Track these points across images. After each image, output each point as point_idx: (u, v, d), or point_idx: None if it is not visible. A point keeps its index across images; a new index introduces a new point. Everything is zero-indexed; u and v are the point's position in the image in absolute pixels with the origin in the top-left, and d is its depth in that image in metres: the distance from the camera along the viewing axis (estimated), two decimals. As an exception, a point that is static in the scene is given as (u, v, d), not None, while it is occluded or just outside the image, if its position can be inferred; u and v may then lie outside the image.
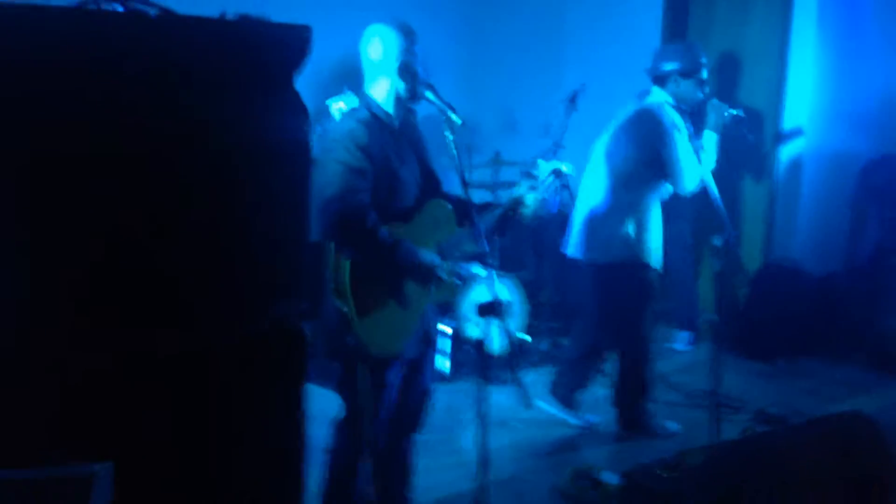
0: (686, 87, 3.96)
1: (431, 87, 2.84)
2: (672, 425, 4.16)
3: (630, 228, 3.91)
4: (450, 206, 2.97)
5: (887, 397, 4.65)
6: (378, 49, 2.82)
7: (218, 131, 1.87)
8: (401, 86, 2.82)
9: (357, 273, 2.70)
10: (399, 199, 2.84)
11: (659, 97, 3.98)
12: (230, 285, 1.85)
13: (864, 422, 2.89)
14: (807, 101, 5.53)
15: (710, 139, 3.94)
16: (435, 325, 3.10)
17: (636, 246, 3.92)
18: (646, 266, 3.96)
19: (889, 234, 5.42)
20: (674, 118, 3.88)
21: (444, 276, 2.86)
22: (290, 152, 1.96)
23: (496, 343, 4.75)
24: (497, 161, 5.54)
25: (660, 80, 4.00)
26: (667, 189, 3.97)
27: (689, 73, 3.94)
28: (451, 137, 2.79)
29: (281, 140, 1.94)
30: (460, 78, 6.25)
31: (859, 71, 5.68)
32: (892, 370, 4.98)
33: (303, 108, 1.99)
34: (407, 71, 2.81)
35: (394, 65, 2.81)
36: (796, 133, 5.55)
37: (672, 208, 4.85)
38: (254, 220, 1.89)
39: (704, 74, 3.98)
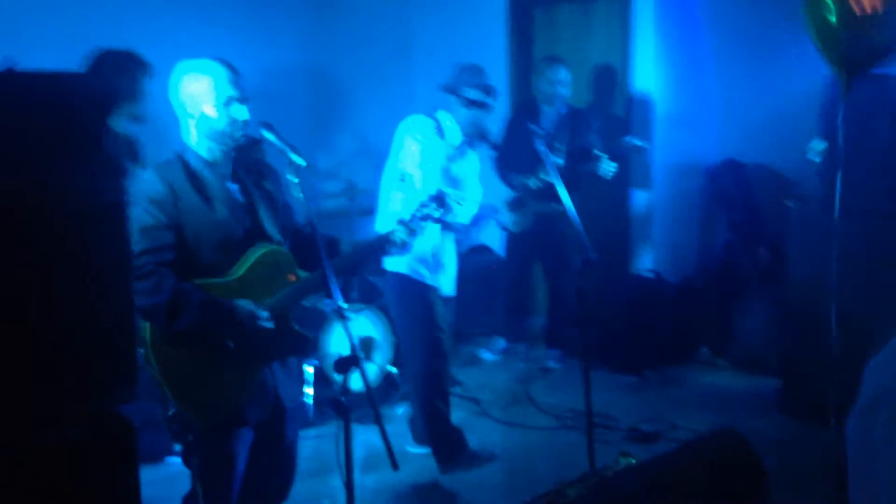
0: (470, 114, 3.87)
1: (269, 127, 2.64)
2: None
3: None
4: (285, 251, 2.77)
5: (753, 399, 4.75)
6: (190, 88, 2.61)
7: (18, 196, 1.61)
8: (219, 126, 2.62)
9: (158, 337, 2.51)
10: (219, 251, 2.62)
11: (437, 114, 3.93)
12: (34, 381, 1.59)
13: (735, 439, 2.88)
14: (651, 109, 5.64)
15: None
16: (290, 381, 2.87)
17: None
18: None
19: (737, 236, 5.57)
20: (434, 135, 3.85)
21: (268, 325, 2.62)
22: (101, 216, 1.72)
23: (359, 382, 4.57)
24: (352, 189, 5.36)
25: (447, 101, 3.94)
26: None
27: (472, 100, 3.85)
28: (295, 180, 2.61)
29: (91, 204, 1.70)
30: (311, 104, 6.04)
31: (698, 78, 5.83)
32: (754, 370, 5.10)
33: (114, 165, 1.75)
34: (226, 109, 2.61)
35: (209, 104, 2.60)
36: (644, 142, 5.65)
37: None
38: (58, 298, 1.64)
39: (490, 101, 3.90)
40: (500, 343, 5.72)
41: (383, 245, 2.97)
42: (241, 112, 2.64)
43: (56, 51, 4.24)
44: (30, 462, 1.57)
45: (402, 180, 3.76)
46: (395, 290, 3.96)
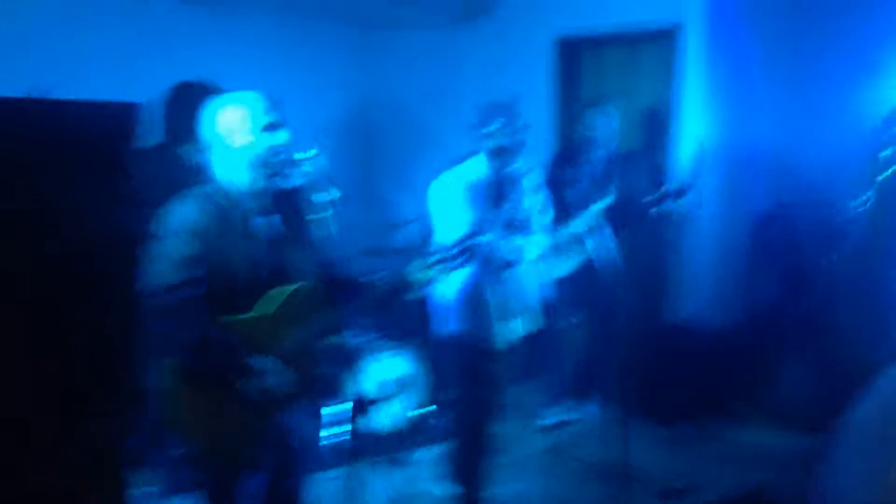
0: (494, 144, 3.73)
1: (308, 160, 2.61)
2: None
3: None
4: (315, 287, 2.71)
5: (794, 456, 4.55)
6: (227, 118, 2.58)
7: (33, 219, 1.60)
8: (257, 154, 2.58)
9: (183, 374, 2.46)
10: (248, 287, 2.57)
11: (482, 160, 3.81)
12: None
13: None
14: (699, 152, 5.54)
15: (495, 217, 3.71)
16: (305, 425, 2.80)
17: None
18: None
19: (782, 286, 5.42)
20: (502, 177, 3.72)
21: (274, 380, 2.55)
22: (117, 242, 1.71)
23: (387, 421, 4.52)
24: (389, 225, 5.35)
25: (480, 141, 3.81)
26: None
27: (491, 134, 3.71)
28: (328, 213, 2.57)
29: (106, 229, 1.69)
30: (357, 141, 6.07)
31: (748, 122, 5.73)
32: (795, 426, 4.91)
33: (133, 193, 1.74)
34: (263, 136, 2.58)
35: (248, 132, 2.57)
36: (689, 186, 5.55)
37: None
38: (65, 320, 1.62)
39: (498, 141, 3.72)
40: (557, 405, 5.36)
41: (404, 285, 2.89)
42: (279, 137, 2.59)
43: (137, 82, 4.38)
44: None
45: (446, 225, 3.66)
46: (445, 353, 3.76)
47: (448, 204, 3.66)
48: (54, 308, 1.50)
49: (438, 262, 2.94)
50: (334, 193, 2.53)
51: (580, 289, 4.97)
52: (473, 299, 3.68)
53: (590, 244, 4.08)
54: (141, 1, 4.85)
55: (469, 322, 3.68)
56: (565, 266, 5.09)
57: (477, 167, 3.79)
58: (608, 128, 4.97)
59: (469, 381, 3.69)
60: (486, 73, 6.32)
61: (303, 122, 5.21)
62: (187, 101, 3.64)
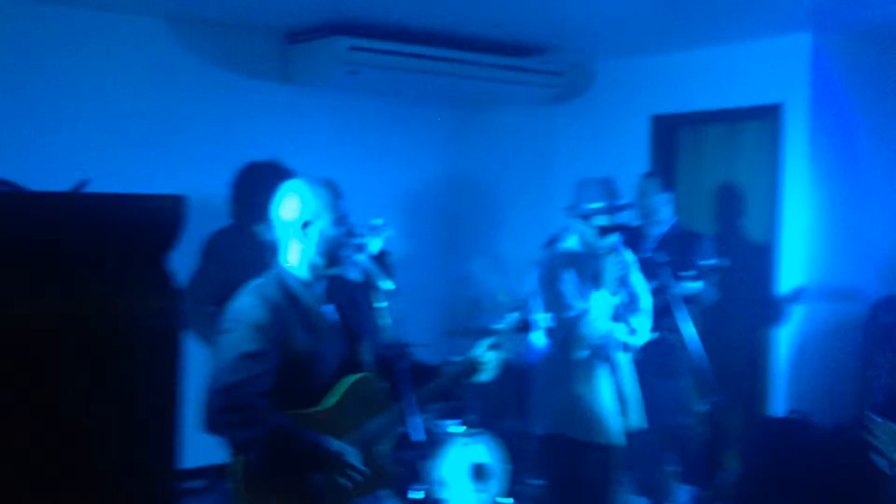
0: (586, 230, 3.56)
1: (362, 248, 2.59)
2: None
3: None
4: (377, 382, 2.65)
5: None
6: (296, 206, 2.57)
7: (62, 315, 1.60)
8: (320, 249, 2.57)
9: (250, 472, 2.39)
10: (312, 379, 2.53)
11: (566, 240, 3.67)
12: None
13: None
14: (804, 238, 5.27)
15: (601, 297, 3.46)
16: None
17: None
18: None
19: (902, 379, 5.02)
20: (560, 264, 3.53)
21: (355, 463, 2.47)
22: (153, 342, 1.68)
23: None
24: (480, 306, 5.27)
25: (580, 219, 3.63)
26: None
27: (586, 215, 3.55)
28: (384, 304, 2.53)
29: (142, 332, 1.67)
30: (451, 218, 6.05)
31: (860, 207, 5.43)
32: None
33: (171, 290, 1.72)
34: (330, 228, 2.56)
35: (316, 222, 2.56)
36: (795, 273, 5.26)
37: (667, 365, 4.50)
38: (97, 425, 1.59)
39: (602, 220, 3.53)
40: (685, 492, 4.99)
41: (472, 368, 2.79)
42: (345, 229, 2.59)
43: (195, 161, 4.52)
44: None
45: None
46: (550, 455, 3.62)
47: (548, 283, 3.54)
48: (90, 407, 1.47)
49: (500, 339, 2.84)
50: (389, 285, 2.49)
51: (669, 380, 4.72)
52: (566, 392, 3.51)
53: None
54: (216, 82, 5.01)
55: (567, 417, 3.51)
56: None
57: (574, 245, 3.66)
58: (660, 203, 4.80)
59: (576, 480, 3.51)
60: (583, 151, 6.24)
61: (390, 202, 5.33)
62: (258, 181, 3.72)
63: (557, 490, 3.67)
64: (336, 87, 5.31)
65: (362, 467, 2.50)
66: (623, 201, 3.69)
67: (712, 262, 4.55)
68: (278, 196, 2.62)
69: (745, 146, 5.60)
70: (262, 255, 3.66)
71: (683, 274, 4.31)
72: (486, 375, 2.89)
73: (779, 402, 5.26)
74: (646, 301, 3.66)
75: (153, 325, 1.67)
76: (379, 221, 3.85)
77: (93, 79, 4.56)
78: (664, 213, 4.85)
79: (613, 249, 3.55)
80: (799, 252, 5.27)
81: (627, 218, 3.62)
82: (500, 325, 2.91)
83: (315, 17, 4.88)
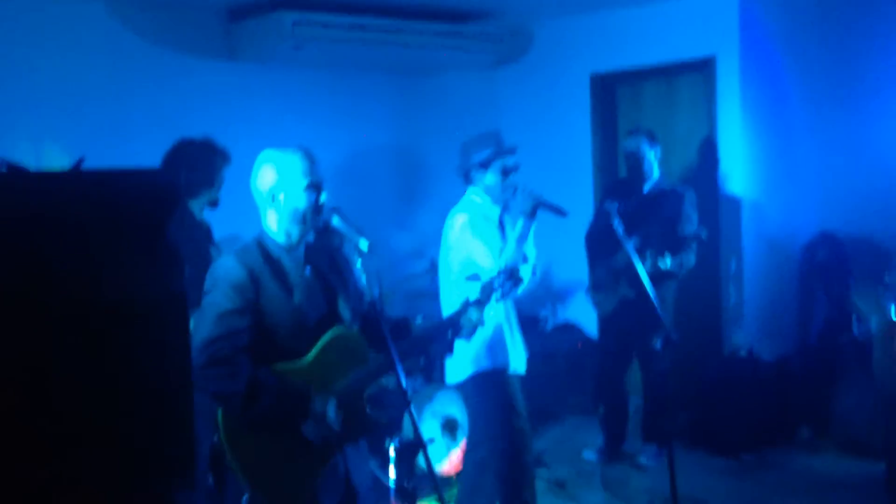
0: (490, 178, 3.71)
1: (337, 211, 2.70)
2: None
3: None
4: (356, 334, 2.79)
5: (858, 484, 4.46)
6: (269, 176, 2.69)
7: (80, 291, 1.68)
8: (297, 213, 2.68)
9: (232, 423, 2.53)
10: (293, 336, 2.66)
11: (466, 197, 3.78)
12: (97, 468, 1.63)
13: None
14: (740, 183, 5.51)
15: (520, 225, 3.59)
16: (363, 464, 2.87)
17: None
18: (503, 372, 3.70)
19: (837, 310, 5.33)
20: (475, 214, 3.67)
21: (333, 414, 2.61)
22: (164, 312, 1.78)
23: (441, 462, 4.53)
24: (437, 269, 5.39)
25: (467, 177, 3.79)
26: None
27: (487, 163, 3.70)
28: (359, 264, 2.65)
29: (154, 299, 1.76)
30: (398, 185, 6.17)
31: (790, 149, 5.70)
32: (859, 453, 4.80)
33: (177, 259, 1.81)
34: (301, 197, 2.68)
35: (287, 192, 2.68)
36: (735, 218, 5.51)
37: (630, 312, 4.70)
38: (116, 390, 1.69)
39: (507, 161, 3.70)
40: (653, 448, 5.07)
41: (453, 327, 2.96)
42: (318, 196, 2.70)
43: (142, 140, 4.52)
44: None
45: (465, 266, 3.66)
46: (470, 391, 3.76)
47: (469, 240, 3.67)
48: (100, 366, 1.57)
49: (487, 297, 3.01)
50: (364, 244, 2.61)
51: (625, 326, 4.91)
52: (498, 332, 3.70)
53: (632, 278, 4.05)
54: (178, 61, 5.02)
55: (500, 354, 3.70)
56: (608, 302, 5.03)
57: (478, 201, 3.78)
58: (646, 160, 4.90)
59: (506, 411, 3.70)
60: (525, 112, 6.39)
61: (341, 169, 5.41)
62: (192, 157, 3.77)
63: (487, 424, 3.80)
64: (280, 62, 5.35)
65: (341, 417, 2.62)
66: (509, 144, 3.80)
67: (690, 232, 4.69)
68: (256, 165, 2.72)
69: (682, 99, 5.82)
70: (196, 232, 3.73)
71: (661, 248, 4.49)
72: (467, 333, 3.05)
73: (727, 341, 5.54)
74: (531, 252, 3.78)
75: (162, 291, 1.76)
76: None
77: (35, 62, 4.53)
78: (650, 170, 4.89)
79: (518, 186, 3.67)
80: (736, 198, 5.51)
81: (517, 164, 3.77)
82: (492, 280, 3.07)
83: (256, -7, 4.89)
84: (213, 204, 3.87)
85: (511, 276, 3.08)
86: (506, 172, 3.70)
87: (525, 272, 3.64)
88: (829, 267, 5.36)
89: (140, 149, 4.65)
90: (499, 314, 3.71)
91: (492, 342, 3.69)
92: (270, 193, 2.69)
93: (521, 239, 3.57)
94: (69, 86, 4.63)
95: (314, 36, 4.99)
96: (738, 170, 5.50)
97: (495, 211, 3.76)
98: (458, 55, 5.73)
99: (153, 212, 1.77)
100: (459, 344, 3.26)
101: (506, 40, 5.89)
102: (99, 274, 1.66)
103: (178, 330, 1.75)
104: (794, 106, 5.68)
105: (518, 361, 3.77)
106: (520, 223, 3.57)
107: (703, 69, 5.56)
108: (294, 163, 2.69)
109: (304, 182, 2.68)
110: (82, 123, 4.64)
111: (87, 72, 4.71)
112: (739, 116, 5.45)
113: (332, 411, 2.60)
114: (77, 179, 1.71)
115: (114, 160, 3.98)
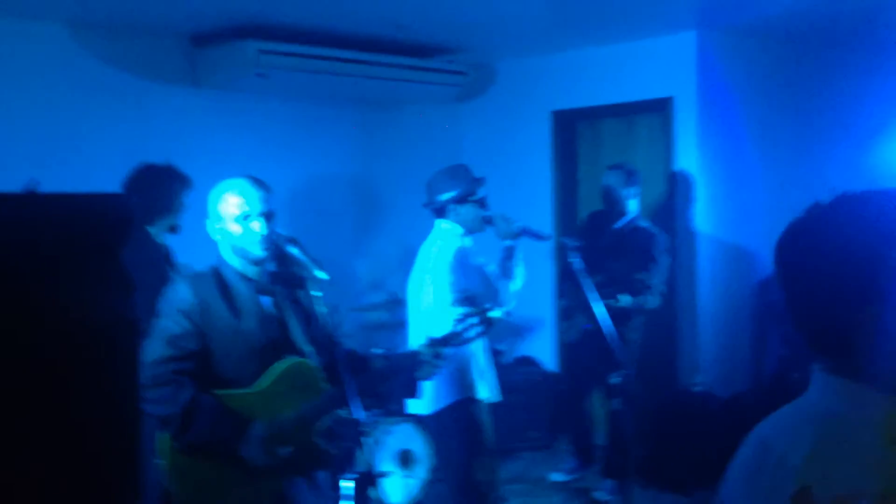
0: (466, 211, 3.80)
1: (294, 241, 2.72)
2: None
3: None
4: (311, 364, 2.78)
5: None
6: (226, 205, 2.72)
7: (27, 315, 1.66)
8: (240, 242, 2.71)
9: (175, 447, 2.55)
10: (242, 363, 2.67)
11: (444, 231, 3.84)
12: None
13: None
14: (697, 220, 5.60)
15: (505, 250, 3.79)
16: (316, 498, 2.84)
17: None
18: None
19: (791, 350, 5.41)
20: (463, 246, 3.78)
21: (278, 443, 2.60)
22: (114, 337, 1.76)
23: (398, 496, 4.50)
24: (395, 301, 5.39)
25: (440, 211, 3.85)
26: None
27: (464, 197, 3.79)
28: (319, 294, 2.66)
29: (104, 324, 1.74)
30: (356, 214, 6.16)
31: (744, 188, 5.81)
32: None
33: (130, 284, 1.80)
34: (244, 225, 2.70)
35: (232, 221, 2.71)
36: (690, 252, 5.59)
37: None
38: (67, 413, 1.66)
39: (481, 193, 3.83)
40: (571, 462, 5.28)
41: (413, 364, 2.96)
42: (259, 227, 2.71)
43: (104, 165, 4.48)
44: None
45: (440, 298, 3.68)
46: (441, 421, 3.76)
47: (438, 276, 3.70)
48: (49, 391, 1.54)
49: (447, 338, 3.01)
50: (322, 275, 2.62)
51: (584, 357, 4.96)
52: (463, 365, 3.71)
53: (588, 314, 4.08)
54: (139, 87, 5.00)
55: (464, 387, 3.72)
56: (570, 332, 5.09)
57: (452, 232, 3.83)
58: (622, 196, 4.96)
59: (475, 442, 3.72)
60: (487, 146, 6.45)
61: (300, 198, 5.40)
62: (152, 183, 3.76)
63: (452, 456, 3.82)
64: (244, 90, 5.35)
65: (289, 448, 2.61)
66: (478, 175, 3.89)
67: (654, 278, 4.79)
68: (214, 193, 2.76)
69: (640, 138, 5.92)
70: (154, 256, 3.71)
71: (621, 285, 4.58)
72: (428, 373, 3.04)
73: (684, 378, 5.59)
74: (519, 280, 3.88)
75: (113, 316, 1.74)
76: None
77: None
78: (626, 206, 4.96)
79: (497, 215, 3.80)
80: (693, 234, 5.60)
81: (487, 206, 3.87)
82: (471, 319, 3.08)
83: (221, 21, 4.90)
84: (174, 229, 3.85)
85: (481, 317, 3.09)
86: (481, 203, 3.80)
87: (513, 292, 3.79)
88: (783, 304, 5.44)
89: (101, 173, 4.62)
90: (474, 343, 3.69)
91: (465, 371, 3.70)
92: (219, 222, 2.73)
93: (507, 265, 3.73)
94: (27, 107, 4.58)
95: (278, 65, 5.01)
96: (695, 207, 5.59)
97: (468, 241, 3.82)
98: (421, 88, 5.78)
99: (105, 236, 1.76)
100: (423, 384, 3.28)
101: (468, 75, 5.95)
102: (48, 298, 1.64)
103: (129, 355, 1.73)
104: (748, 146, 5.80)
105: (491, 389, 3.78)
106: (504, 248, 3.74)
107: (661, 109, 5.67)
108: (246, 192, 2.73)
109: (245, 210, 2.70)
110: (40, 146, 4.58)
111: (46, 94, 4.67)
112: (696, 155, 5.56)
113: (267, 436, 2.57)
114: (26, 202, 1.69)
115: (73, 184, 3.95)
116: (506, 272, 3.80)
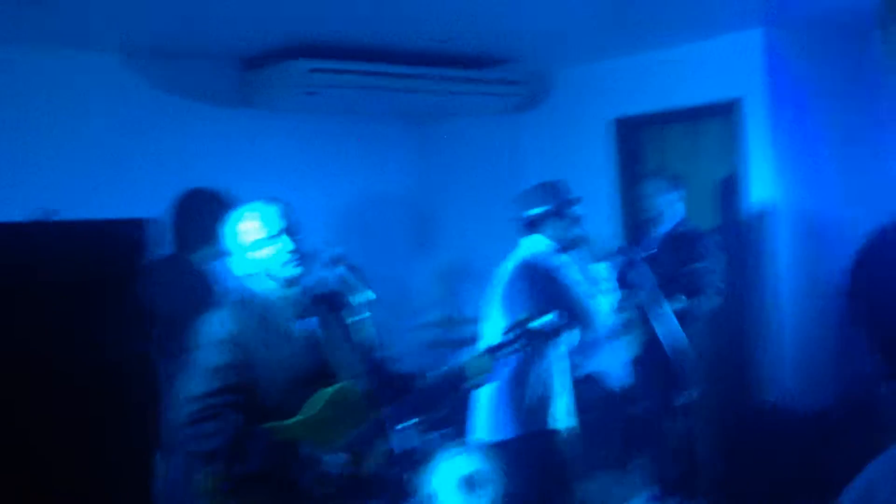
0: (561, 226, 3.70)
1: (341, 260, 2.59)
2: None
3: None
4: (357, 388, 2.64)
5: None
6: (246, 232, 2.61)
7: (34, 347, 1.56)
8: (281, 260, 2.59)
9: (220, 486, 2.40)
10: (287, 391, 2.55)
11: (538, 244, 3.71)
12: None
13: None
14: (770, 231, 5.33)
15: (600, 270, 3.71)
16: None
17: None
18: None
19: (874, 361, 5.07)
20: (561, 260, 3.66)
21: (333, 471, 2.47)
22: (126, 364, 1.65)
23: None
24: (452, 320, 5.24)
25: (531, 226, 3.74)
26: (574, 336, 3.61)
27: (560, 212, 3.70)
28: (367, 315, 2.53)
29: (116, 352, 1.64)
30: (415, 234, 6.05)
31: (824, 189, 5.51)
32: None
33: (142, 315, 1.69)
34: (270, 246, 2.59)
35: (267, 242, 2.59)
36: (764, 264, 5.31)
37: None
38: (77, 445, 1.56)
39: (577, 211, 3.75)
40: (654, 489, 5.00)
41: (458, 381, 2.80)
42: (285, 244, 2.60)
43: (154, 191, 4.46)
44: None
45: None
46: (511, 452, 3.64)
47: (505, 293, 3.56)
48: (62, 423, 1.44)
49: (495, 348, 2.88)
50: (369, 295, 2.49)
51: (651, 374, 4.74)
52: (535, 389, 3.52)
53: (654, 326, 3.88)
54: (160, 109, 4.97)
55: (537, 416, 3.53)
56: (633, 345, 4.87)
57: (535, 251, 3.68)
58: (666, 202, 4.81)
59: (542, 473, 3.54)
60: (547, 158, 6.26)
61: (353, 216, 5.31)
62: (197, 208, 3.69)
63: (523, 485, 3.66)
64: (295, 110, 5.29)
65: (344, 476, 2.48)
66: (576, 202, 3.81)
67: (706, 276, 4.62)
68: (229, 228, 2.65)
69: (708, 143, 5.66)
70: (200, 284, 3.62)
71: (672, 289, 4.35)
72: (480, 381, 2.91)
73: (760, 392, 5.29)
74: (601, 308, 3.74)
75: (127, 349, 1.65)
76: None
77: (53, 115, 4.52)
78: (669, 213, 4.84)
79: (590, 234, 3.75)
80: (766, 244, 5.33)
81: (580, 221, 3.79)
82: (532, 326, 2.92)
83: (270, 42, 4.86)
84: (219, 256, 3.77)
85: (520, 335, 2.91)
86: (576, 221, 3.72)
87: (605, 313, 3.67)
88: (863, 314, 5.12)
89: (151, 199, 4.61)
90: (548, 368, 3.58)
91: (537, 396, 3.55)
92: (248, 251, 2.62)
93: (602, 285, 3.67)
94: (80, 135, 4.60)
95: (329, 83, 4.94)
96: (770, 211, 5.32)
97: (560, 258, 3.71)
98: (476, 100, 5.65)
99: (114, 264, 1.67)
100: (481, 392, 3.15)
101: (525, 85, 5.79)
102: (51, 331, 1.55)
103: (139, 391, 1.62)
104: (822, 146, 5.50)
105: (567, 416, 3.62)
106: (600, 268, 3.69)
107: (729, 111, 5.41)
108: (260, 212, 2.63)
109: (276, 227, 2.60)
110: (92, 172, 4.59)
111: (99, 121, 4.69)
112: (769, 157, 5.29)
113: (332, 469, 2.45)
114: (31, 231, 1.60)
115: (124, 210, 3.93)
116: (598, 292, 3.70)
